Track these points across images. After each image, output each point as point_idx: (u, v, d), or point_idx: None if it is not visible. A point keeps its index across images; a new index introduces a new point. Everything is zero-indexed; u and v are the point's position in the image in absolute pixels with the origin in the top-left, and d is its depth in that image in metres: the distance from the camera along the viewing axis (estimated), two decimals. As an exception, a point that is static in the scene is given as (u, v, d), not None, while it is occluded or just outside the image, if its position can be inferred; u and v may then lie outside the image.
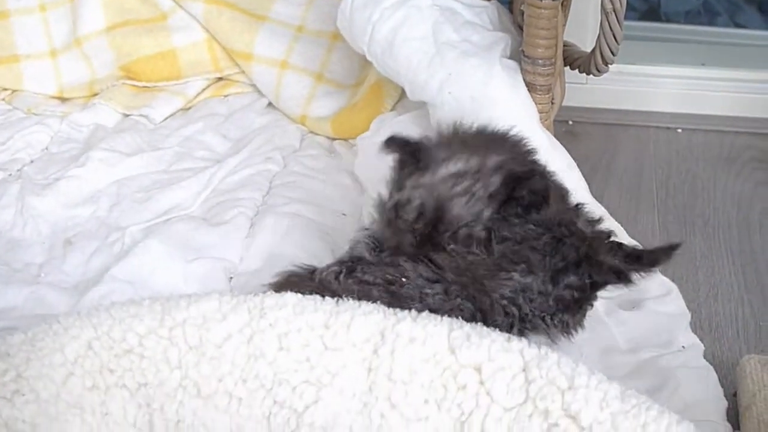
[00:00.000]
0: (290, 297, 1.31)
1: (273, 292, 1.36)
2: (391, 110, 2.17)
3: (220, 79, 2.45)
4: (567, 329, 1.48)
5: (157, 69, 2.40)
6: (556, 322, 1.45)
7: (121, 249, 1.80)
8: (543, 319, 1.44)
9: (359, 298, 1.35)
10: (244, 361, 1.27)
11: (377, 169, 1.88)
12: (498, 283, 1.42)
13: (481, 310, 1.42)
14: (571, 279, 1.42)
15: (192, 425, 1.29)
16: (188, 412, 1.28)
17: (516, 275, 1.42)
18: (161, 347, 1.28)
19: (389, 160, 1.52)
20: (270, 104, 2.39)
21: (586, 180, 1.99)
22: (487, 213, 1.43)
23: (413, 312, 1.29)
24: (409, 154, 1.47)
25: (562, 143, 1.94)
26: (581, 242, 1.44)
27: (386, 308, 1.30)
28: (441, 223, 1.43)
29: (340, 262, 1.49)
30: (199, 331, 1.28)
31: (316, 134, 2.29)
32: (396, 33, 1.88)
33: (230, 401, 1.27)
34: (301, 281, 1.48)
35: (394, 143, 1.48)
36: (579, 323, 1.49)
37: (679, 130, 2.62)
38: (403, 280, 1.42)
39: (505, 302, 1.42)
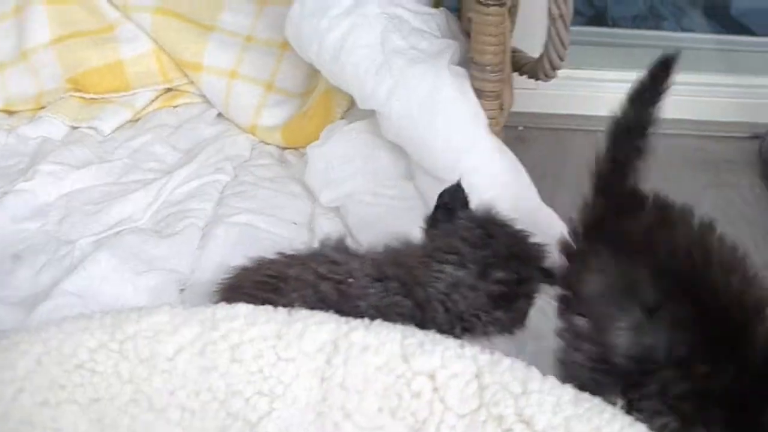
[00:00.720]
0: (242, 308, 1.31)
1: (224, 303, 1.35)
2: (341, 119, 2.17)
3: (169, 89, 2.43)
4: (504, 327, 1.48)
5: (105, 81, 2.37)
6: (490, 319, 1.46)
7: (71, 262, 1.78)
8: (478, 316, 1.45)
9: (314, 291, 1.40)
10: (196, 373, 1.27)
11: (327, 177, 1.90)
12: (431, 274, 1.43)
13: (418, 305, 1.43)
14: (500, 274, 1.43)
15: (144, 439, 1.28)
16: (140, 427, 1.27)
17: (448, 267, 1.43)
18: (112, 361, 1.27)
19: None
20: (220, 114, 2.37)
21: (536, 185, 2.00)
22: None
23: (365, 320, 1.29)
24: None
25: (511, 149, 1.95)
26: (512, 239, 1.46)
27: (339, 317, 1.30)
28: None
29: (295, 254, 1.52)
30: (150, 344, 1.27)
31: (267, 144, 2.28)
32: (344, 41, 1.88)
33: (183, 414, 1.26)
34: (253, 272, 1.50)
35: None
36: (518, 322, 1.49)
37: (627, 135, 2.64)
38: (350, 280, 1.42)
39: (441, 297, 1.43)
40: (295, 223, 1.90)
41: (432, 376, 1.21)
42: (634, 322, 1.27)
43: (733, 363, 1.21)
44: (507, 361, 1.22)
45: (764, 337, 1.23)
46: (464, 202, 1.53)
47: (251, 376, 1.26)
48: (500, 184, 1.70)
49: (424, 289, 1.44)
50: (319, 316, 1.30)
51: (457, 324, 1.45)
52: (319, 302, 1.39)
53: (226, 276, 1.55)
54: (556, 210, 2.01)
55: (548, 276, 1.48)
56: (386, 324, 1.28)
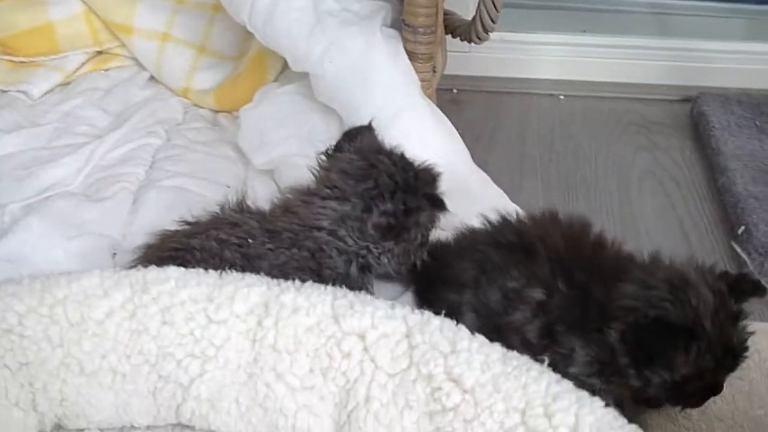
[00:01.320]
0: (173, 271, 1.30)
1: (154, 266, 1.34)
2: (274, 81, 2.17)
3: (100, 53, 2.40)
4: (400, 259, 1.51)
5: (35, 43, 2.33)
6: (381, 249, 1.49)
7: (0, 227, 1.76)
8: (368, 249, 1.48)
9: (219, 258, 1.39)
10: (127, 336, 1.26)
11: (261, 140, 1.89)
12: (315, 212, 1.45)
13: (312, 255, 1.45)
14: (387, 206, 1.45)
15: (76, 403, 1.27)
16: (72, 391, 1.27)
17: (331, 203, 1.45)
18: (42, 326, 1.26)
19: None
20: (152, 77, 2.35)
21: (470, 148, 2.00)
22: None
23: (297, 282, 1.29)
24: None
25: (446, 112, 1.95)
26: (401, 171, 1.47)
27: (270, 279, 1.30)
28: None
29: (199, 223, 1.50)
30: (80, 308, 1.27)
31: (200, 107, 2.27)
32: (276, 3, 1.87)
33: (114, 378, 1.26)
34: (157, 248, 1.49)
35: None
36: (415, 252, 1.52)
37: (561, 97, 2.66)
38: (250, 241, 1.43)
39: (330, 239, 1.45)
40: (228, 186, 1.89)
41: (362, 337, 1.22)
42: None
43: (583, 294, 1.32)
44: (437, 321, 1.23)
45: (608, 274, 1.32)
46: (370, 139, 1.54)
47: (183, 338, 1.26)
48: (433, 147, 1.70)
49: (311, 234, 1.45)
50: (250, 278, 1.30)
51: (354, 260, 1.47)
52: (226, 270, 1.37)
53: (134, 257, 1.53)
54: (490, 172, 2.03)
55: (436, 204, 1.49)
56: (317, 286, 1.29)
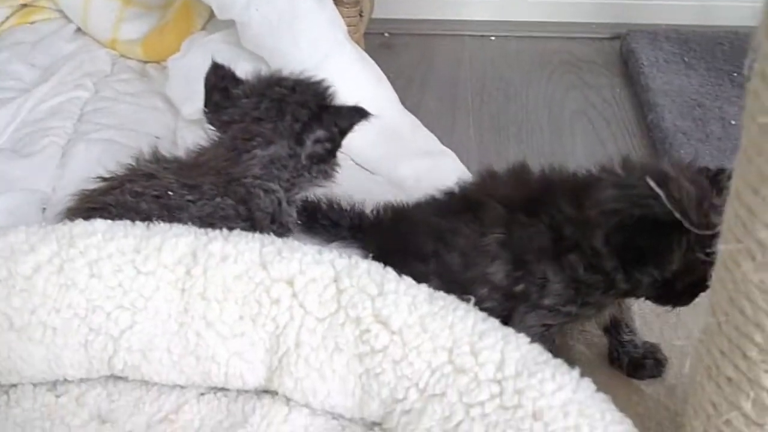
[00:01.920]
0: (99, 224, 1.30)
1: (81, 220, 1.33)
2: (202, 30, 2.15)
3: (25, 5, 2.36)
4: (328, 175, 1.54)
5: (-44, -3, 2.30)
6: (315, 173, 1.52)
7: (-75, 185, 1.74)
8: (302, 176, 1.51)
9: (135, 212, 1.38)
10: (55, 291, 1.26)
11: (189, 89, 1.87)
12: (245, 166, 1.47)
13: (243, 202, 1.46)
14: (319, 133, 1.48)
15: (8, 358, 1.27)
16: (2, 346, 1.26)
17: (257, 151, 1.46)
18: (-32, 283, 1.26)
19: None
20: (78, 30, 2.32)
21: (403, 91, 2.02)
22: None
23: (225, 231, 1.29)
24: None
25: (378, 56, 1.96)
26: (310, 96, 1.50)
27: (198, 229, 1.30)
28: None
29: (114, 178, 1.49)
30: (6, 264, 1.26)
31: (128, 58, 2.25)
32: (201, -49, 1.86)
33: (45, 332, 1.25)
34: (76, 210, 1.46)
35: None
36: (335, 166, 1.55)
37: (493, 38, 2.67)
38: (169, 193, 1.42)
39: (259, 182, 1.47)
40: (158, 137, 1.88)
41: (291, 283, 1.23)
42: None
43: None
44: (364, 265, 1.24)
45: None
46: (231, 76, 1.54)
47: (111, 291, 1.25)
48: (360, 92, 1.70)
49: (240, 182, 1.46)
50: (178, 228, 1.29)
51: (284, 198, 1.50)
52: (144, 221, 1.35)
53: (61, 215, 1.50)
54: (422, 114, 2.04)
55: (364, 114, 1.51)
56: (245, 234, 1.29)
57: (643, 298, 1.36)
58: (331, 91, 1.52)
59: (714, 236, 1.18)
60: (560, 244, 1.31)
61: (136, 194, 1.41)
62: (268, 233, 1.42)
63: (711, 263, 1.22)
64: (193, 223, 1.36)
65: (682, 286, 1.28)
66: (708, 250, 1.21)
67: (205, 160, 1.49)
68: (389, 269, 1.24)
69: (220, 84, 1.52)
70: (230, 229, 1.33)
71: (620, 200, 1.24)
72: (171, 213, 1.40)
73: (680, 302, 1.34)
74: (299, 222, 1.56)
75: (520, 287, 1.32)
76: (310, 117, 1.47)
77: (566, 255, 1.30)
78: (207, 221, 1.40)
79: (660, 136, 2.08)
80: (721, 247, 0.96)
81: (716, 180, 1.28)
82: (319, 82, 1.52)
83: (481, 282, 1.36)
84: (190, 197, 1.42)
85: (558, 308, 1.31)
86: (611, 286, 1.30)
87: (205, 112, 1.53)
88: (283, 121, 1.47)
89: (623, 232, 1.23)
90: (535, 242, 1.33)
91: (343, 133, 1.49)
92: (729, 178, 1.24)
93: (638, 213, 1.22)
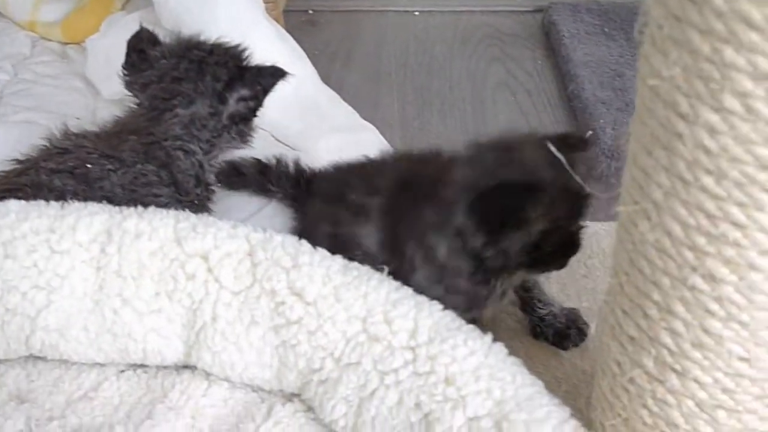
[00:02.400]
0: (12, 204, 1.29)
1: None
2: (121, 10, 2.14)
3: (-60, -12, 2.32)
4: (245, 137, 1.57)
5: None
6: (234, 134, 1.54)
7: None
8: (221, 136, 1.53)
9: (49, 190, 1.36)
10: (-31, 272, 1.26)
11: (109, 70, 1.86)
12: (166, 126, 1.48)
13: (164, 166, 1.47)
14: (243, 92, 1.51)
15: (-75, 342, 1.27)
16: None
17: (178, 110, 1.48)
18: None
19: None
20: (-3, 12, 2.28)
21: (327, 68, 2.03)
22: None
23: (139, 208, 1.29)
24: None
25: (302, 33, 1.98)
26: (228, 57, 1.53)
27: (112, 207, 1.30)
28: None
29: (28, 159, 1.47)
30: None
31: (48, 40, 2.22)
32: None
33: (-41, 315, 1.26)
34: (2, 179, 1.45)
35: None
36: (252, 129, 1.58)
37: (416, 13, 2.68)
38: (88, 165, 1.41)
39: (179, 143, 1.48)
40: (78, 118, 1.87)
41: (206, 257, 1.23)
42: None
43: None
44: (278, 238, 1.25)
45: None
46: (150, 39, 1.55)
47: (26, 270, 1.25)
48: (280, 68, 1.71)
49: (161, 145, 1.47)
50: (92, 207, 1.29)
51: (205, 161, 1.52)
52: (60, 199, 1.35)
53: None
54: (347, 91, 2.05)
55: (282, 73, 1.53)
56: (159, 210, 1.29)
57: (522, 271, 1.35)
58: (247, 53, 1.55)
59: (579, 199, 1.21)
60: (425, 223, 1.32)
61: (50, 172, 1.40)
62: (194, 197, 1.47)
63: (576, 220, 1.25)
64: (115, 193, 1.37)
65: (552, 249, 1.29)
66: (570, 207, 1.24)
67: (124, 124, 1.50)
68: (303, 242, 1.25)
69: (138, 46, 1.53)
70: (155, 196, 1.35)
71: (472, 175, 1.26)
72: (90, 185, 1.39)
73: (553, 265, 1.35)
74: (219, 185, 1.58)
75: (391, 266, 1.33)
76: (232, 76, 1.50)
77: (429, 236, 1.31)
78: (129, 189, 1.40)
79: (580, 106, 2.11)
80: (621, 209, 0.98)
81: (564, 142, 1.26)
82: (235, 46, 1.55)
83: (356, 245, 1.37)
84: (110, 167, 1.42)
85: (423, 289, 1.28)
86: (481, 265, 1.30)
87: (123, 75, 1.54)
88: (203, 81, 1.49)
89: (480, 200, 1.23)
90: (405, 218, 1.34)
91: (266, 91, 1.52)
92: (575, 138, 1.27)
93: (492, 182, 1.22)
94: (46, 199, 1.31)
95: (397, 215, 1.35)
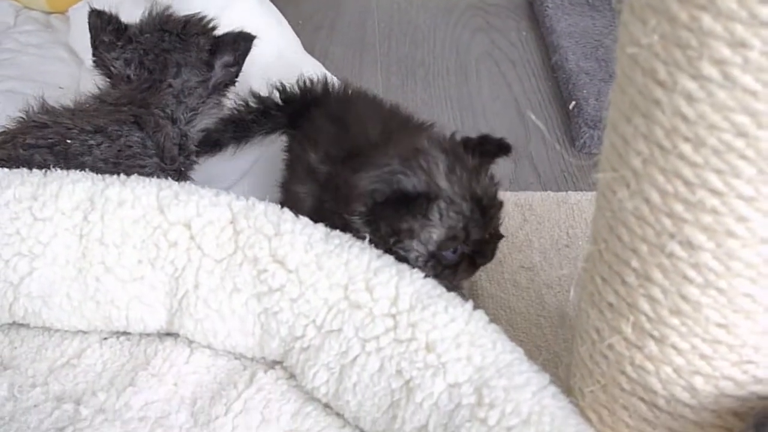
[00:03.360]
0: (-5, 172, 1.30)
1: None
2: (104, -22, 2.12)
3: (-77, -43, 2.31)
4: (221, 104, 1.62)
5: None
6: (215, 100, 1.60)
7: None
8: (205, 103, 1.57)
9: (28, 165, 1.35)
10: (-49, 240, 1.26)
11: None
12: (160, 96, 1.51)
13: (149, 135, 1.49)
14: (227, 58, 1.57)
15: None
16: None
17: (170, 80, 1.53)
18: None
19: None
20: (-21, -19, 2.27)
21: (311, 39, 2.03)
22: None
23: (122, 176, 1.30)
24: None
25: (286, 3, 1.97)
26: (200, 28, 1.58)
27: (95, 175, 1.30)
28: None
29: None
30: None
31: (31, 9, 2.22)
32: None
33: (-58, 281, 1.26)
34: None
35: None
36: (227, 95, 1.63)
37: (401, -17, 2.68)
38: (68, 141, 1.41)
39: (168, 111, 1.53)
40: (62, 88, 1.87)
41: (188, 225, 1.24)
42: None
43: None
44: (261, 206, 1.25)
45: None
46: (117, 20, 1.57)
47: (9, 238, 1.25)
48: (262, 36, 1.69)
49: (152, 114, 1.49)
50: (75, 175, 1.29)
51: (188, 129, 1.55)
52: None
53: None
54: (331, 61, 2.06)
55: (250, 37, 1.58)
56: (142, 178, 1.29)
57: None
58: (214, 23, 1.59)
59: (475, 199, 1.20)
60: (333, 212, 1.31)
61: (29, 147, 1.39)
62: (178, 165, 1.49)
63: (478, 228, 1.25)
64: (98, 168, 1.36)
65: (455, 259, 1.29)
66: (469, 215, 1.24)
67: (109, 97, 1.51)
68: (286, 210, 1.25)
69: (108, 27, 1.54)
70: (140, 167, 1.36)
71: (376, 180, 1.25)
72: (69, 161, 1.39)
73: (462, 275, 1.33)
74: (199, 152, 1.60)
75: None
76: (213, 45, 1.56)
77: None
78: (113, 162, 1.40)
79: (564, 77, 2.11)
80: (600, 176, 0.99)
81: (482, 148, 1.28)
82: (201, 17, 1.59)
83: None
84: (92, 141, 1.42)
85: None
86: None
87: (94, 54, 1.56)
88: (188, 51, 1.54)
89: (375, 209, 1.24)
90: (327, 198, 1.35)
91: (244, 55, 1.58)
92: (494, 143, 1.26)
93: (389, 190, 1.23)
94: None
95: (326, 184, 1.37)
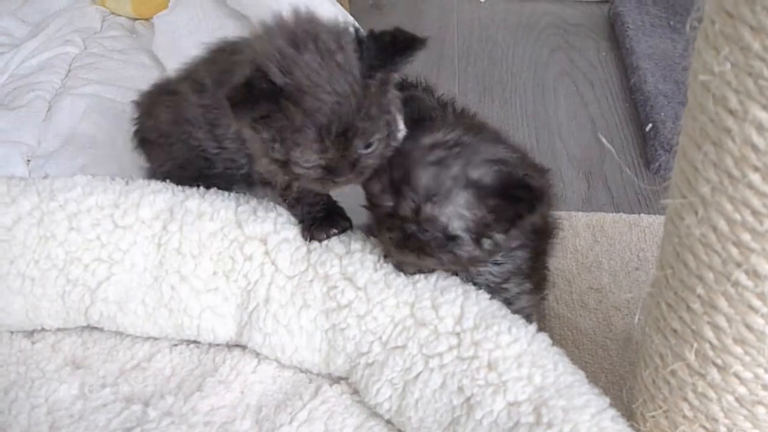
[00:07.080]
0: (80, 178, 1.34)
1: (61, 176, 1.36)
2: (190, -13, 2.16)
3: (16, -38, 2.37)
4: None
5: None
6: None
7: None
8: None
9: None
10: (35, 242, 1.30)
11: (175, 46, 1.89)
12: None
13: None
14: None
15: (-12, 307, 1.31)
16: (-19, 295, 1.31)
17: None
18: (-49, 232, 1.30)
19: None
20: (69, -14, 2.32)
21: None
22: None
23: (201, 189, 1.33)
24: None
25: (367, 17, 2.01)
26: None
27: (175, 186, 1.34)
28: None
29: None
30: (-13, 215, 1.30)
31: (118, 15, 2.26)
32: None
33: (23, 282, 1.30)
34: None
35: None
36: None
37: (482, 0, 2.68)
38: None
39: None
40: (143, 93, 1.90)
41: (264, 241, 1.27)
42: None
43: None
44: (332, 227, 1.28)
45: None
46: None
47: (89, 243, 1.29)
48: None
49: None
50: (156, 185, 1.33)
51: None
52: None
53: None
54: (408, 74, 2.06)
55: None
56: (221, 192, 1.33)
57: None
58: None
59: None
60: None
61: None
62: None
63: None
64: None
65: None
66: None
67: None
68: (357, 231, 1.28)
69: None
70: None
71: None
72: None
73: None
74: None
75: None
76: None
77: None
78: None
79: (641, 99, 2.10)
80: (669, 202, 0.99)
81: (397, 43, 1.20)
82: None
83: None
84: None
85: None
86: None
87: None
88: None
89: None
90: None
91: None
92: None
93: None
94: None
95: None
